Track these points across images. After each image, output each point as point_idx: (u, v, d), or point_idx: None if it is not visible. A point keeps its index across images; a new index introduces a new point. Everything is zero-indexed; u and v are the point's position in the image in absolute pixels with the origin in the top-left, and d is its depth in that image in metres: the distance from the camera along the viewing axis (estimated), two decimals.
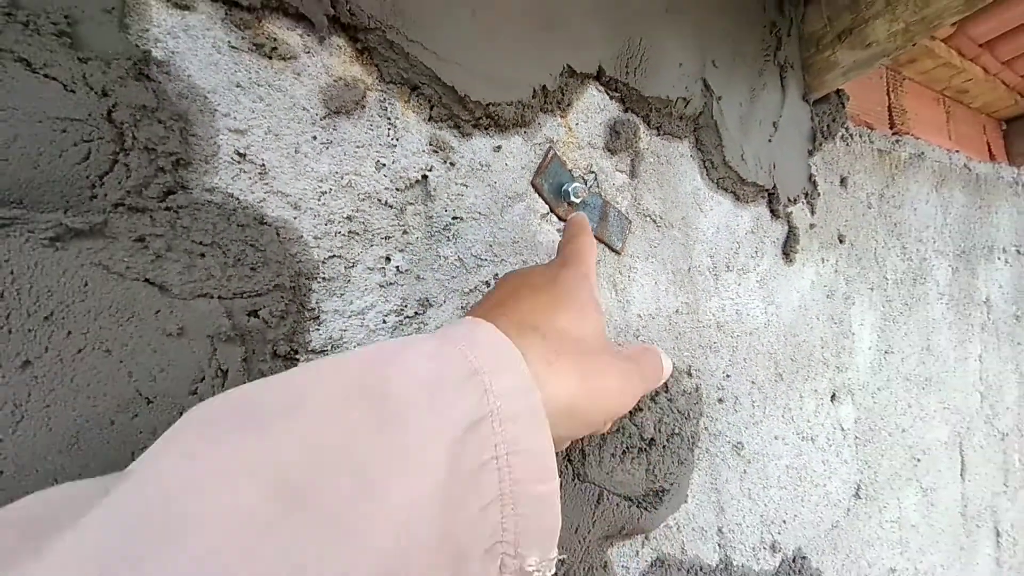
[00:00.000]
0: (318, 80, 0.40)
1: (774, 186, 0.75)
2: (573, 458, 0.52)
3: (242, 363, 0.35)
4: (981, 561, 1.21)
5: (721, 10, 0.67)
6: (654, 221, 0.62)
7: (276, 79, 0.38)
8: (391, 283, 0.44)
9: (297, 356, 0.39)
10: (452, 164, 0.46)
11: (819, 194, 0.84)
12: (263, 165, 0.38)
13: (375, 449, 0.20)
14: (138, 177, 0.32)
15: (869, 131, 1.00)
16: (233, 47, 0.37)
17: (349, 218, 0.41)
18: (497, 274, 0.49)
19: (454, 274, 0.47)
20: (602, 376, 0.30)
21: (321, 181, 0.40)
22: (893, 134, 1.08)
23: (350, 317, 0.42)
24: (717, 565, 0.67)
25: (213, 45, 0.36)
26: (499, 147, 0.49)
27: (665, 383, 0.62)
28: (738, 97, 0.69)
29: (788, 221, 0.79)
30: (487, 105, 0.46)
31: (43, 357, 0.29)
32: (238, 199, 0.37)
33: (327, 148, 0.40)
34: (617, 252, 0.58)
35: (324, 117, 0.40)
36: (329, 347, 0.40)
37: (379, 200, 0.43)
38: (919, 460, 1.05)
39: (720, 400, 0.69)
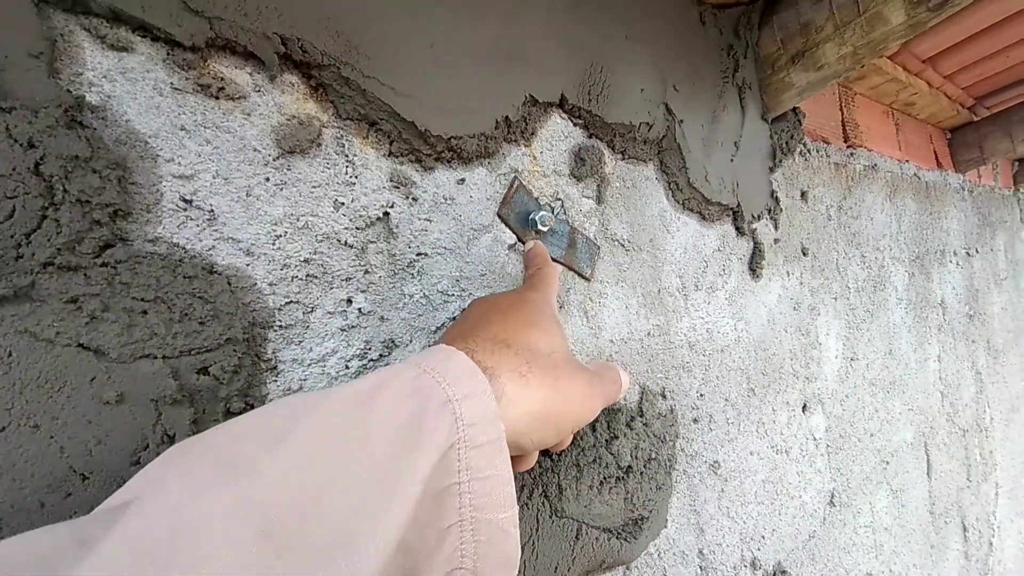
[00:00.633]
0: (270, 119, 0.38)
1: (738, 204, 0.76)
2: (550, 493, 0.51)
3: (191, 425, 0.33)
4: (951, 557, 1.24)
5: (679, 35, 0.68)
6: (622, 245, 0.62)
7: (224, 120, 0.37)
8: (353, 326, 0.42)
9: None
10: (415, 199, 0.45)
11: (781, 209, 0.86)
12: (212, 211, 0.36)
13: (358, 495, 0.21)
14: (70, 232, 0.30)
15: (825, 145, 1.04)
16: (176, 88, 0.35)
17: (307, 261, 0.40)
18: (464, 309, 0.48)
19: (420, 312, 0.45)
20: (570, 386, 0.33)
21: (275, 224, 0.38)
22: (848, 147, 1.12)
23: (310, 365, 0.40)
24: None
25: (154, 87, 0.34)
26: (463, 180, 0.48)
27: (640, 407, 0.62)
28: (700, 119, 0.70)
29: (753, 237, 0.81)
30: (449, 139, 0.45)
31: None
32: (184, 248, 0.34)
33: (281, 189, 0.39)
34: (587, 279, 0.58)
35: (277, 157, 0.39)
36: None
37: (338, 240, 0.41)
38: (888, 463, 1.08)
39: (695, 420, 0.69)
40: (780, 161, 0.85)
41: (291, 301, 0.39)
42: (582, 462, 0.54)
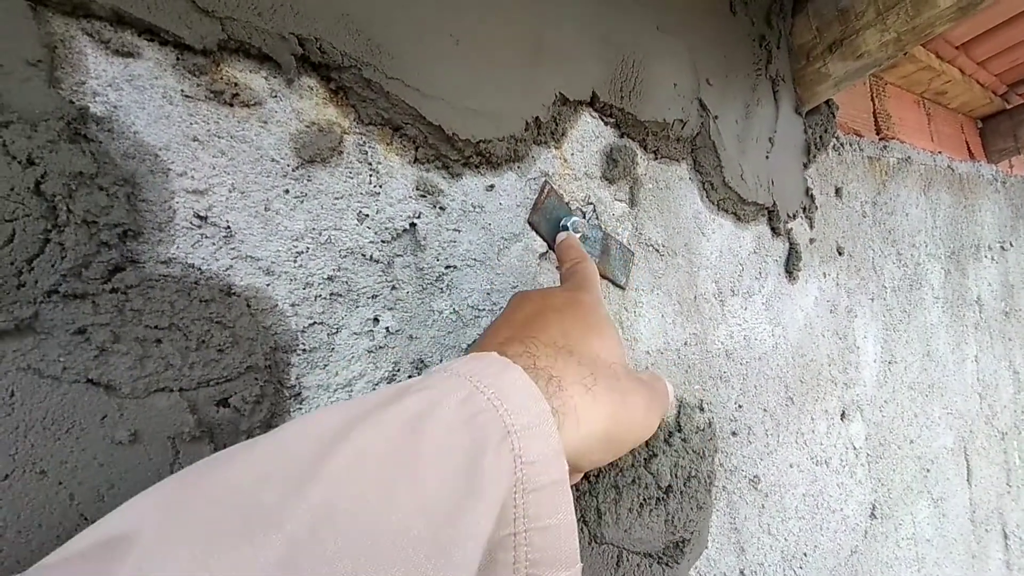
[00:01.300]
0: (288, 127, 0.35)
1: (773, 203, 0.72)
2: (588, 519, 0.48)
3: None
4: (992, 567, 1.19)
5: (711, 26, 0.65)
6: (657, 250, 0.59)
7: (239, 129, 0.34)
8: (381, 347, 0.39)
9: None
10: (442, 208, 0.42)
11: (816, 207, 0.82)
12: (228, 228, 0.33)
13: (407, 562, 0.18)
14: (75, 257, 0.27)
15: (858, 139, 0.99)
16: (187, 96, 0.32)
17: (330, 278, 0.37)
18: None
19: (450, 329, 0.42)
20: (633, 403, 0.29)
21: (296, 240, 0.35)
22: (880, 140, 1.07)
23: (336, 391, 0.37)
24: None
25: (163, 95, 0.31)
26: (492, 186, 0.45)
27: (678, 421, 0.58)
28: (734, 114, 0.66)
29: (789, 238, 0.77)
30: (477, 143, 0.42)
31: None
32: (200, 270, 0.32)
33: (301, 202, 0.36)
34: (622, 287, 0.55)
35: (297, 168, 0.36)
36: None
37: (363, 255, 0.38)
38: (928, 470, 1.03)
39: (734, 433, 0.65)
40: (814, 156, 0.81)
41: (315, 322, 0.36)
42: (621, 484, 0.50)
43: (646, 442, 0.54)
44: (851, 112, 1.01)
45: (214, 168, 0.33)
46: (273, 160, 0.35)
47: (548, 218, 0.49)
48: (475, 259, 0.44)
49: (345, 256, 0.37)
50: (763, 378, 0.70)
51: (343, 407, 0.22)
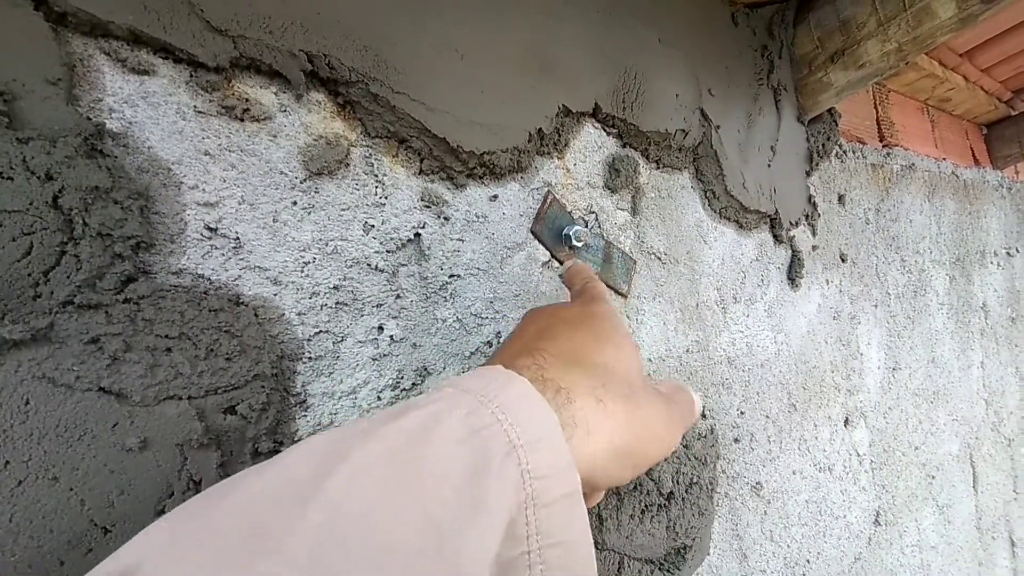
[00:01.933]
0: (296, 140, 0.36)
1: (776, 211, 0.73)
2: (590, 525, 0.48)
3: (218, 469, 0.31)
4: (999, 574, 1.18)
5: (712, 37, 0.65)
6: (659, 258, 0.59)
7: (249, 143, 0.35)
8: (385, 355, 0.40)
9: (281, 451, 0.35)
10: (446, 219, 0.43)
11: (819, 214, 0.82)
12: (237, 239, 0.34)
13: (421, 565, 0.18)
14: (90, 268, 0.28)
15: (861, 146, 0.99)
16: (200, 112, 0.33)
17: (336, 288, 0.37)
18: (500, 332, 0.46)
19: (453, 337, 0.43)
20: (650, 415, 0.28)
21: (304, 250, 0.36)
22: (883, 147, 1.07)
23: (341, 398, 0.37)
24: None
25: (177, 111, 0.32)
26: (495, 196, 0.46)
27: None
28: (736, 124, 0.67)
29: (791, 245, 0.77)
30: (482, 154, 0.43)
31: None
32: (210, 280, 0.33)
33: (309, 213, 0.37)
34: (624, 295, 0.55)
35: (304, 180, 0.37)
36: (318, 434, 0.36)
37: (369, 265, 0.39)
38: (933, 477, 1.02)
39: (736, 439, 0.66)
40: (817, 164, 0.81)
41: (320, 331, 0.37)
42: (622, 490, 0.51)
43: None
44: (854, 119, 1.01)
45: (224, 181, 0.33)
46: (282, 173, 0.36)
47: (551, 227, 0.50)
48: (478, 268, 0.45)
49: (351, 266, 0.38)
50: (765, 385, 0.70)
51: (346, 427, 0.22)
